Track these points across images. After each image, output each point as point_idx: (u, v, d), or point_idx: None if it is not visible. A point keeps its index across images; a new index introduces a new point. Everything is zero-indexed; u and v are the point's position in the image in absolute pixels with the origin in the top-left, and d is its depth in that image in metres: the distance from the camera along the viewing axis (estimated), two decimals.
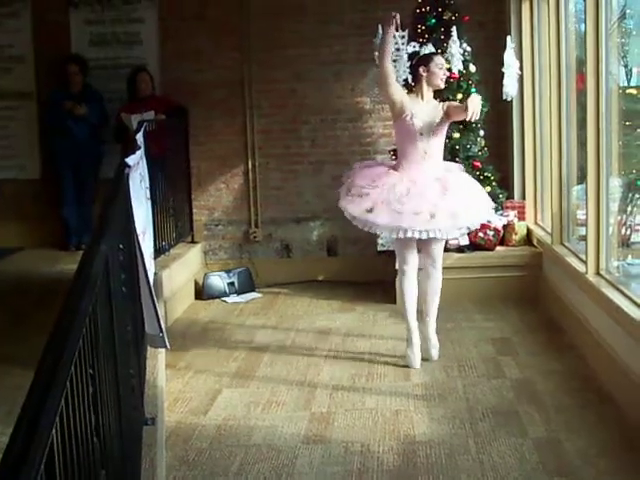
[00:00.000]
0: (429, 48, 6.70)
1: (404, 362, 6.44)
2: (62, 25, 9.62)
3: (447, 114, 6.30)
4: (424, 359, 6.46)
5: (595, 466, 4.58)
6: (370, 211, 6.13)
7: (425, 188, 6.18)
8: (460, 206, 6.18)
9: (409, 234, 6.06)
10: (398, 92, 6.34)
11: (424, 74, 6.33)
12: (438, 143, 6.38)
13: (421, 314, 6.61)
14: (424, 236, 6.10)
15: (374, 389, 5.98)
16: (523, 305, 8.06)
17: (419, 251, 6.46)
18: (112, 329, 3.30)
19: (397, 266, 6.62)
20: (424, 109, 6.30)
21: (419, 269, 6.53)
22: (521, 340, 7.06)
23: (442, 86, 6.48)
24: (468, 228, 6.43)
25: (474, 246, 8.46)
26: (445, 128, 6.41)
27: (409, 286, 6.46)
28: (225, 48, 9.56)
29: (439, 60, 6.42)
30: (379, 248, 8.44)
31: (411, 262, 6.42)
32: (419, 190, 6.16)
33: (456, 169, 6.73)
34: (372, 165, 6.79)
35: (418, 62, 6.44)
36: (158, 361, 5.78)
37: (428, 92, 6.40)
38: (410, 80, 6.82)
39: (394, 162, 6.78)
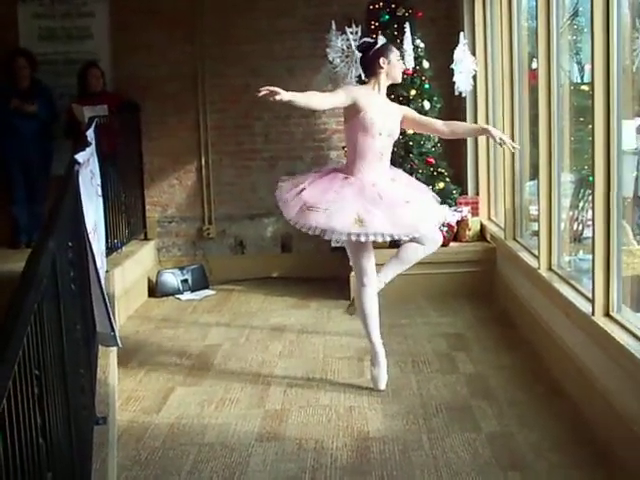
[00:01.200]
0: (382, 39, 5.95)
1: (369, 384, 5.92)
2: (9, 19, 9.44)
3: (405, 122, 5.99)
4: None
5: (548, 460, 4.61)
6: (361, 222, 5.45)
7: (389, 194, 5.66)
8: (426, 208, 5.83)
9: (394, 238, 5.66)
10: (348, 95, 5.65)
11: (384, 66, 5.76)
12: (392, 144, 5.93)
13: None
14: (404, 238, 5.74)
15: (328, 386, 5.97)
16: (477, 300, 8.09)
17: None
18: (60, 328, 3.26)
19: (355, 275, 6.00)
20: (382, 106, 5.79)
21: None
22: (475, 335, 7.08)
23: (400, 79, 6.00)
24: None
25: None
26: (399, 129, 5.98)
27: (370, 300, 5.87)
28: (178, 42, 9.48)
29: (398, 52, 5.94)
30: (333, 244, 8.41)
31: (374, 268, 5.87)
32: (386, 197, 5.61)
33: (401, 173, 6.27)
34: (317, 176, 5.91)
35: (377, 53, 5.80)
36: (110, 359, 5.74)
37: (385, 86, 5.86)
38: (363, 73, 6.12)
39: (342, 166, 6.14)
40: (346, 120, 5.82)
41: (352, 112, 5.69)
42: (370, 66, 5.84)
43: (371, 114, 5.66)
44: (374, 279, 5.89)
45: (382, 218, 5.49)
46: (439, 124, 6.11)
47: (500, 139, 5.82)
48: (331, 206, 5.50)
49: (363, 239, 5.49)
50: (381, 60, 5.76)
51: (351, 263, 6.00)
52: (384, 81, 5.83)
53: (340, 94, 5.66)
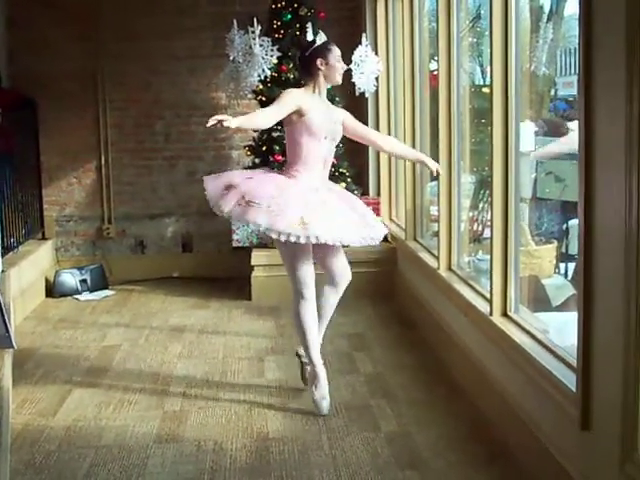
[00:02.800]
0: (322, 37, 5.54)
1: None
2: None
3: (346, 129, 5.67)
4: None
5: (445, 458, 4.65)
6: (302, 223, 5.13)
7: (331, 200, 5.44)
8: (369, 219, 5.58)
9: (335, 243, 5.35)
10: (293, 101, 5.33)
11: (322, 68, 5.41)
12: (333, 150, 5.63)
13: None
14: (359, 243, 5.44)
15: (228, 386, 5.93)
16: (378, 300, 8.12)
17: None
18: None
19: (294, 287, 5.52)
20: (324, 110, 5.48)
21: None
22: (375, 335, 7.12)
23: (340, 81, 5.57)
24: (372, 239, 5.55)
25: None
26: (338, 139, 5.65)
27: (310, 314, 5.54)
28: (76, 39, 9.29)
29: (337, 51, 5.50)
30: (234, 244, 8.39)
31: (313, 280, 5.50)
32: (329, 202, 5.38)
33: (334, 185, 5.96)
34: (259, 173, 5.64)
35: (314, 54, 5.46)
36: (4, 361, 5.60)
37: (324, 88, 5.52)
38: (299, 75, 5.81)
39: (283, 170, 5.64)
40: (287, 123, 5.43)
41: (295, 115, 5.35)
42: (307, 67, 5.50)
43: (316, 117, 5.36)
44: (313, 291, 5.50)
45: (326, 222, 5.20)
46: (378, 138, 5.91)
47: (437, 171, 5.77)
48: (273, 203, 5.16)
49: (303, 241, 5.13)
50: (318, 61, 5.42)
51: (287, 272, 5.54)
52: (323, 84, 5.49)
53: (286, 102, 5.32)
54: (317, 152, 5.44)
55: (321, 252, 5.54)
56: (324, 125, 5.41)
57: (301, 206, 5.21)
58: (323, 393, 5.46)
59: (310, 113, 5.34)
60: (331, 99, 8.57)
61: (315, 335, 5.57)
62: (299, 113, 5.34)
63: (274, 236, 5.17)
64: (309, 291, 5.47)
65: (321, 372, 5.52)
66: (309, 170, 5.44)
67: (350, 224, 5.39)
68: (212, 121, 4.92)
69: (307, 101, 5.38)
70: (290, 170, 5.48)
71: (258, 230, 5.37)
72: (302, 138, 5.41)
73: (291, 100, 5.33)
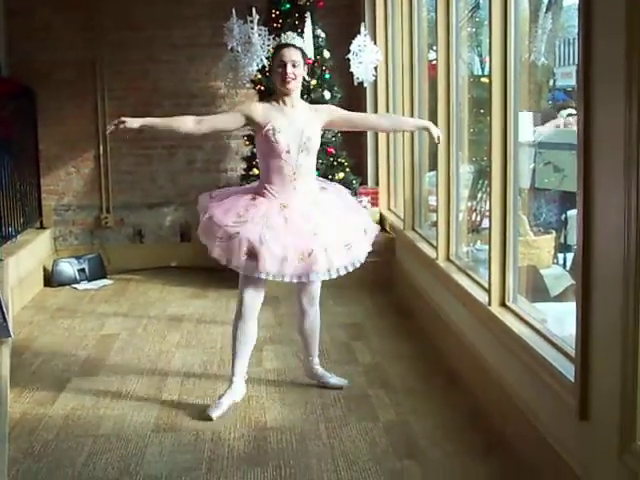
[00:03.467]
0: (284, 38, 5.17)
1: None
2: None
3: (335, 124, 5.54)
4: (336, 387, 5.61)
5: (443, 448, 4.65)
6: (250, 256, 4.99)
7: (301, 215, 5.13)
8: (336, 246, 5.16)
9: (292, 279, 5.13)
10: (243, 113, 5.13)
11: (270, 75, 5.19)
12: (310, 160, 5.24)
13: (305, 356, 5.78)
14: (304, 279, 5.18)
15: (226, 376, 5.91)
16: (376, 290, 8.13)
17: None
18: None
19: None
20: (291, 119, 5.11)
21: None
22: (373, 325, 7.12)
23: (291, 88, 5.09)
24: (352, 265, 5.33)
25: None
26: (319, 141, 5.30)
27: (249, 334, 5.40)
28: (75, 27, 9.29)
29: (281, 54, 5.08)
30: None
31: (257, 305, 5.36)
32: (295, 221, 5.08)
33: (331, 187, 5.66)
34: (231, 194, 5.37)
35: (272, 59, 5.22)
36: (2, 350, 5.60)
37: (288, 97, 5.14)
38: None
39: (255, 185, 5.45)
40: (255, 136, 5.26)
41: (256, 128, 5.13)
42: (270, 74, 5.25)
43: (275, 130, 5.04)
44: (255, 315, 5.36)
45: (277, 255, 4.96)
46: (375, 119, 5.68)
47: (438, 137, 5.54)
48: (225, 236, 5.02)
49: (256, 275, 5.04)
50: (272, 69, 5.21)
51: (239, 289, 5.35)
52: (279, 92, 5.17)
53: (234, 112, 5.22)
54: (280, 168, 5.12)
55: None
56: (284, 138, 5.05)
57: (255, 237, 4.97)
58: (227, 401, 5.29)
59: (267, 126, 5.05)
60: (329, 88, 8.61)
61: (245, 352, 5.41)
62: (258, 126, 5.08)
63: (231, 266, 5.12)
64: (250, 313, 5.33)
65: (238, 385, 5.40)
66: (275, 187, 5.15)
67: (315, 253, 5.05)
68: (110, 127, 4.99)
69: (265, 113, 5.08)
70: (261, 185, 5.25)
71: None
72: (263, 153, 5.21)
73: (239, 110, 5.19)
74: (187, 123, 5.10)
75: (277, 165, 5.13)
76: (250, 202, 5.14)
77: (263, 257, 4.96)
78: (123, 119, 4.88)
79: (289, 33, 5.23)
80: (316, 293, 5.57)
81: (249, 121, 5.11)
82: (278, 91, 5.16)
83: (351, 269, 5.30)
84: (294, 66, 5.08)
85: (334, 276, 5.21)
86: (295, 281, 5.16)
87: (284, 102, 5.14)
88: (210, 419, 5.12)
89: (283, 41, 5.14)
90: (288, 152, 5.09)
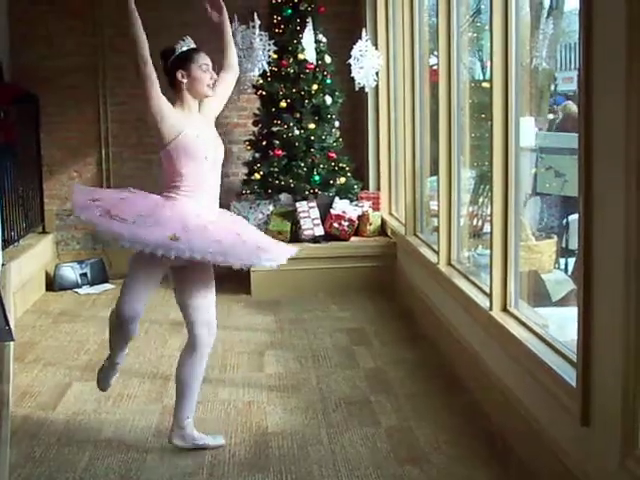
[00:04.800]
0: (187, 43, 4.87)
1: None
2: None
3: (219, 105, 4.89)
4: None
5: (445, 453, 4.65)
6: (176, 238, 4.36)
7: (216, 223, 4.66)
8: (260, 242, 4.74)
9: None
10: (166, 105, 4.61)
11: (184, 80, 4.65)
12: (215, 179, 4.76)
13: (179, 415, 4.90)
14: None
15: (227, 380, 5.94)
16: (378, 295, 8.13)
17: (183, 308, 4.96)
18: None
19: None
20: (200, 125, 4.69)
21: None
22: (375, 330, 7.12)
23: (210, 94, 4.72)
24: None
25: (329, 236, 8.50)
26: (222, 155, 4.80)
27: (125, 336, 4.79)
28: (78, 33, 9.34)
29: (203, 59, 4.74)
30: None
31: (141, 304, 4.78)
32: (213, 225, 4.60)
33: (229, 212, 5.19)
34: (131, 193, 4.80)
35: (175, 64, 4.75)
36: (5, 354, 5.61)
37: (194, 103, 4.71)
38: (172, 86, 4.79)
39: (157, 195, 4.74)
40: (163, 142, 4.58)
41: (168, 131, 4.57)
42: (170, 81, 4.75)
43: (191, 135, 4.59)
44: (139, 314, 4.74)
45: (205, 241, 4.46)
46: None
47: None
48: (139, 220, 4.46)
49: (172, 254, 4.37)
50: (179, 74, 4.69)
51: (122, 288, 4.85)
52: (189, 99, 4.70)
53: (156, 88, 4.60)
54: (197, 175, 4.62)
55: (187, 292, 4.91)
56: (203, 144, 4.63)
57: (175, 225, 4.45)
58: (112, 373, 4.91)
59: (185, 129, 4.58)
60: (331, 93, 8.63)
61: (121, 350, 4.88)
62: (171, 129, 4.56)
63: (138, 248, 4.45)
64: (131, 319, 4.70)
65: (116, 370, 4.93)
66: (191, 195, 4.62)
67: (237, 246, 4.57)
68: None
69: (177, 117, 4.62)
70: (168, 196, 4.64)
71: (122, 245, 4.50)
72: (176, 161, 4.59)
73: (162, 98, 4.59)
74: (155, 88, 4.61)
75: (192, 173, 4.61)
76: (164, 202, 4.60)
77: (190, 240, 4.40)
78: None
79: (188, 38, 4.94)
80: (196, 341, 4.82)
81: (169, 118, 4.57)
82: (191, 95, 4.70)
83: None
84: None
85: (245, 269, 4.76)
86: (219, 261, 4.52)
87: (189, 108, 4.70)
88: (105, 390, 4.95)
89: (189, 45, 4.86)
90: (206, 158, 4.65)
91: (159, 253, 4.39)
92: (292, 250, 4.86)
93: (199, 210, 4.60)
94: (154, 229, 4.41)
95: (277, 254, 4.71)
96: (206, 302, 4.86)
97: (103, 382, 4.94)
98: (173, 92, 4.71)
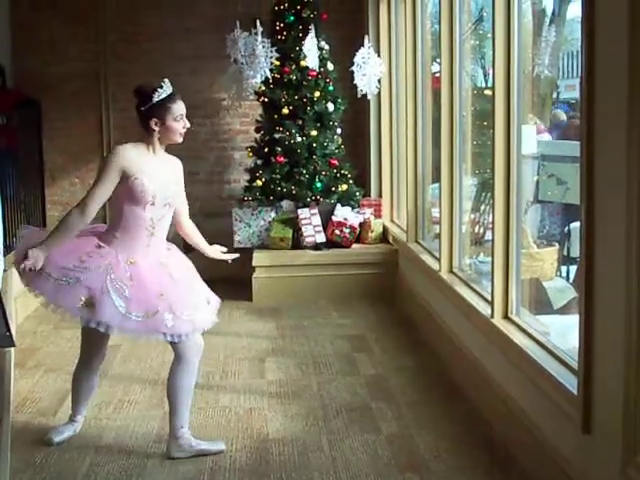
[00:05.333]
0: (165, 89, 4.65)
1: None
2: None
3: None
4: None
5: (445, 461, 4.65)
6: (88, 305, 4.49)
7: (151, 275, 4.68)
8: (181, 307, 4.66)
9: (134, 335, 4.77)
10: (116, 168, 4.53)
11: (156, 128, 4.61)
12: (169, 216, 4.81)
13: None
14: (145, 337, 4.82)
15: (228, 387, 5.93)
16: (379, 302, 8.13)
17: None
18: None
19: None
20: (158, 169, 4.66)
21: None
22: (376, 337, 7.12)
23: (180, 141, 4.72)
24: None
25: (331, 243, 8.50)
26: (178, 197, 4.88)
27: (84, 382, 5.06)
28: (80, 39, 9.35)
29: (179, 108, 4.67)
30: (236, 245, 8.38)
31: (95, 360, 5.02)
32: (142, 279, 4.63)
33: (176, 249, 5.09)
34: (81, 235, 4.78)
35: (149, 112, 4.63)
36: (6, 360, 5.60)
37: (162, 148, 4.73)
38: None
39: (102, 229, 4.90)
40: (119, 181, 4.59)
41: (120, 176, 4.55)
42: (142, 122, 4.68)
43: (143, 179, 4.56)
44: (97, 365, 5.04)
45: (118, 307, 4.52)
46: (186, 223, 5.19)
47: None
48: (62, 277, 4.53)
49: (84, 325, 4.62)
50: (152, 122, 4.62)
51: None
52: (156, 143, 4.69)
53: (109, 172, 4.54)
54: (140, 219, 4.65)
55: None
56: (152, 188, 4.60)
57: (96, 285, 4.52)
58: (65, 430, 5.06)
59: (136, 174, 4.56)
60: (333, 100, 8.64)
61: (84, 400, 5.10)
62: (125, 175, 4.55)
63: (57, 312, 4.64)
64: (90, 363, 4.99)
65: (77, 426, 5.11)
66: (129, 239, 4.67)
67: (159, 313, 4.58)
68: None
69: (135, 161, 4.60)
70: (109, 235, 4.73)
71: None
72: (123, 202, 4.63)
73: (115, 165, 4.54)
74: (76, 224, 4.65)
75: (137, 217, 4.66)
76: (95, 249, 4.66)
77: (102, 308, 4.50)
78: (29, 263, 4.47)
79: (167, 81, 4.74)
80: (182, 351, 4.80)
81: (122, 170, 4.56)
82: (159, 142, 4.69)
83: (193, 335, 4.77)
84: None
85: (176, 340, 4.68)
86: (134, 336, 4.80)
87: (154, 151, 4.70)
88: (51, 444, 4.94)
89: (169, 91, 4.70)
90: (153, 204, 4.64)
91: (74, 317, 4.61)
92: (206, 322, 4.84)
93: (134, 256, 4.65)
94: (70, 291, 4.51)
95: (180, 328, 4.64)
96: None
97: (55, 433, 5.03)
98: (142, 130, 4.68)
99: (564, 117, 7.19)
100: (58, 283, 4.52)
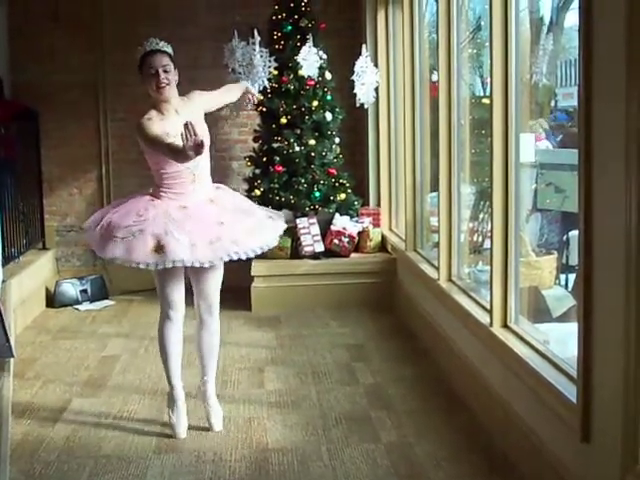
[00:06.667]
0: (148, 44, 5.09)
1: (169, 431, 5.27)
2: None
3: (205, 107, 5.30)
4: (204, 428, 5.34)
5: (445, 469, 4.64)
6: (157, 250, 4.86)
7: (201, 214, 5.04)
8: (243, 231, 5.07)
9: (205, 264, 5.00)
10: (155, 129, 4.92)
11: (146, 85, 5.03)
12: (205, 160, 5.12)
13: (200, 372, 5.51)
14: (216, 262, 5.07)
15: (227, 397, 5.92)
16: (378, 311, 8.12)
17: (192, 294, 5.34)
18: None
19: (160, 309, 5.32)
20: (178, 124, 4.74)
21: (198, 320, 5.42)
22: (375, 346, 7.11)
23: (165, 94, 5.00)
24: (255, 251, 5.15)
25: (329, 253, 8.50)
26: (209, 136, 5.14)
27: (174, 337, 5.29)
28: (78, 49, 9.36)
29: (152, 61, 4.99)
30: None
31: (178, 303, 5.25)
32: (197, 215, 5.02)
33: (225, 188, 5.48)
34: (125, 201, 5.24)
35: (139, 70, 5.08)
36: (5, 371, 5.60)
37: (167, 103, 5.05)
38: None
39: (151, 192, 5.21)
40: (144, 146, 5.05)
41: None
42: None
43: (170, 136, 4.84)
44: (181, 313, 5.27)
45: (184, 242, 4.87)
46: (226, 90, 5.56)
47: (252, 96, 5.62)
48: (128, 234, 4.89)
49: (160, 267, 4.91)
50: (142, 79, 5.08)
51: (157, 291, 5.29)
52: (155, 100, 5.08)
53: (154, 129, 4.91)
54: (178, 172, 5.01)
55: (193, 271, 5.21)
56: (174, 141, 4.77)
57: (160, 230, 4.88)
58: (181, 417, 5.28)
59: (162, 133, 4.88)
60: (331, 110, 8.64)
61: (176, 359, 5.33)
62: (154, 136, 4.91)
63: (133, 265, 4.97)
64: (175, 312, 5.23)
65: (179, 396, 5.33)
66: (174, 191, 5.06)
67: (223, 239, 4.97)
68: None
69: (158, 122, 4.96)
70: (156, 192, 5.11)
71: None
72: (159, 162, 5.03)
73: (155, 124, 4.94)
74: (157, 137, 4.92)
75: (175, 170, 5.01)
76: (150, 203, 5.05)
77: (171, 246, 4.84)
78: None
79: (152, 39, 5.12)
80: (213, 300, 5.32)
81: (157, 133, 4.91)
82: (155, 100, 5.06)
83: (259, 252, 5.19)
84: (165, 71, 5.00)
85: (244, 257, 5.10)
86: (207, 265, 5.01)
87: (167, 110, 5.05)
88: (182, 437, 5.20)
89: (148, 48, 5.05)
90: None
91: (150, 268, 4.94)
92: (271, 239, 5.26)
93: (185, 202, 5.04)
94: (139, 243, 4.87)
95: (249, 246, 5.08)
96: (211, 287, 5.31)
97: (177, 427, 5.28)
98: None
99: (546, 125, 7.20)
100: (126, 241, 4.90)
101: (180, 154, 4.58)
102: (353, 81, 8.10)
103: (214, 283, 5.31)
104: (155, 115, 5.02)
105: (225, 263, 5.21)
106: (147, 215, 4.95)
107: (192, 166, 4.97)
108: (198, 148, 4.40)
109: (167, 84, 5.01)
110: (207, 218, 5.03)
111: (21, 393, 5.99)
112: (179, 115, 5.03)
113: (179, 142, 4.58)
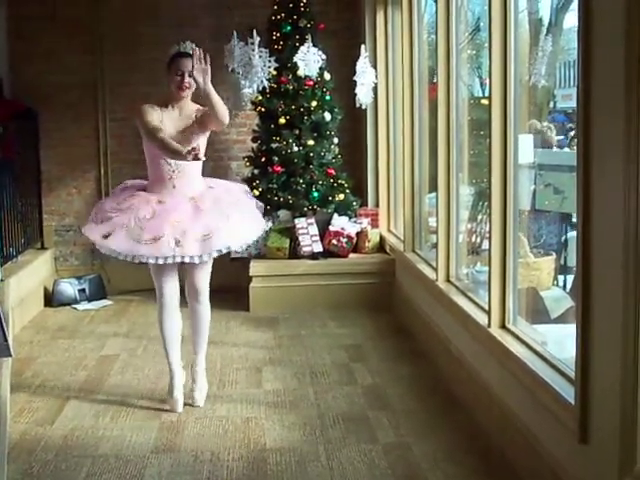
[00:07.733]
0: (181, 47, 5.66)
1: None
2: None
3: (202, 122, 5.49)
4: (187, 403, 5.70)
5: (443, 470, 4.64)
6: (107, 237, 5.31)
7: (174, 210, 5.37)
8: (212, 227, 5.36)
9: (149, 260, 5.34)
10: (152, 117, 5.36)
11: (168, 81, 5.49)
12: (192, 164, 5.32)
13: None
14: (169, 261, 5.33)
15: (225, 397, 5.92)
16: (376, 312, 8.12)
17: (183, 282, 5.73)
18: None
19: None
20: (175, 120, 5.43)
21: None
22: (373, 346, 7.11)
23: (183, 95, 5.44)
24: (220, 251, 5.48)
25: (327, 253, 8.50)
26: (200, 139, 5.47)
27: (168, 323, 5.69)
28: (77, 50, 9.35)
29: (182, 63, 5.39)
30: (233, 255, 8.36)
31: (168, 293, 5.61)
32: (166, 212, 5.35)
33: (219, 184, 5.86)
34: (127, 187, 5.72)
35: (167, 66, 5.51)
36: (2, 370, 5.59)
37: (180, 101, 5.50)
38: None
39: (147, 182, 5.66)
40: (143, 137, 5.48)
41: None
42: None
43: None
44: (175, 301, 5.67)
45: (197, 238, 5.31)
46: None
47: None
48: (102, 220, 5.46)
49: (170, 261, 5.34)
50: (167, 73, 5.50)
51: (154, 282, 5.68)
52: (171, 97, 5.51)
53: (150, 117, 5.37)
54: (161, 165, 5.43)
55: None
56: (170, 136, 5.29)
57: (121, 220, 5.34)
58: (178, 395, 5.68)
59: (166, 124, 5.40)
60: (330, 110, 8.64)
61: (172, 343, 5.77)
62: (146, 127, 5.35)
63: (138, 260, 5.37)
64: (166, 300, 5.63)
65: (177, 376, 5.74)
66: (157, 183, 5.49)
67: (193, 236, 5.33)
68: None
69: (159, 113, 5.42)
70: (148, 183, 5.61)
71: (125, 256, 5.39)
72: (148, 152, 5.52)
73: (152, 112, 5.39)
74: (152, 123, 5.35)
75: (159, 163, 5.43)
76: (135, 194, 5.52)
77: (117, 239, 5.29)
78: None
79: (188, 43, 5.65)
80: (200, 287, 5.71)
81: (151, 122, 5.33)
82: (171, 96, 5.49)
83: (216, 254, 5.51)
84: (190, 76, 5.32)
85: (196, 261, 5.42)
86: (145, 259, 5.36)
87: (173, 107, 5.49)
88: (179, 411, 5.61)
89: (182, 50, 5.61)
90: None
91: (160, 262, 5.35)
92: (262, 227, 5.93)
93: (164, 198, 5.41)
94: (97, 231, 5.42)
95: (190, 249, 5.32)
96: (198, 277, 5.68)
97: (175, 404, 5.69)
98: None
99: (539, 126, 7.20)
100: (97, 224, 5.47)
101: (167, 148, 5.16)
102: (354, 81, 8.10)
103: (201, 273, 5.66)
104: (157, 106, 5.45)
105: (225, 264, 5.35)
106: (123, 205, 5.41)
107: (172, 164, 5.39)
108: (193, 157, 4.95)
109: (188, 87, 5.44)
110: (169, 217, 5.34)
111: (19, 392, 5.98)
112: (179, 115, 5.47)
113: (168, 132, 5.26)
